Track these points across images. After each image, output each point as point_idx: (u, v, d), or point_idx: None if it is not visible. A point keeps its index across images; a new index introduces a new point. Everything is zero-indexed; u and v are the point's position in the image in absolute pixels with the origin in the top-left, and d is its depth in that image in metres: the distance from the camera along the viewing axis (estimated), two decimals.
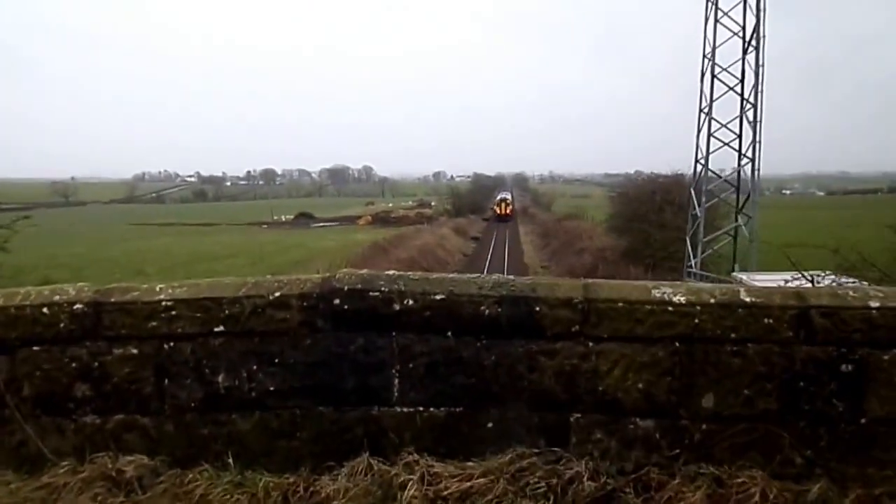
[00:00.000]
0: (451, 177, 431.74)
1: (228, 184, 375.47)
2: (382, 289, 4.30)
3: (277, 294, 4.34)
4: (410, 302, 4.26)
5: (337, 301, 4.29)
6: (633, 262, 40.25)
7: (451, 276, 4.48)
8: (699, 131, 29.35)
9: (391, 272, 4.50)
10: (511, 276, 4.43)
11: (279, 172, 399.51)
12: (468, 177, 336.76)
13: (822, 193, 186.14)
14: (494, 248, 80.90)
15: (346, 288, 4.31)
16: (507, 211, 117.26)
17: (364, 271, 4.48)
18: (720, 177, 29.09)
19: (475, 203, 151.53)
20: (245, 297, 4.35)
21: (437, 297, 4.25)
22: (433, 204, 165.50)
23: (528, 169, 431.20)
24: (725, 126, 28.81)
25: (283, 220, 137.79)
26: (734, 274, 24.02)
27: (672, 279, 37.63)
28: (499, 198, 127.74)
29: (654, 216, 40.33)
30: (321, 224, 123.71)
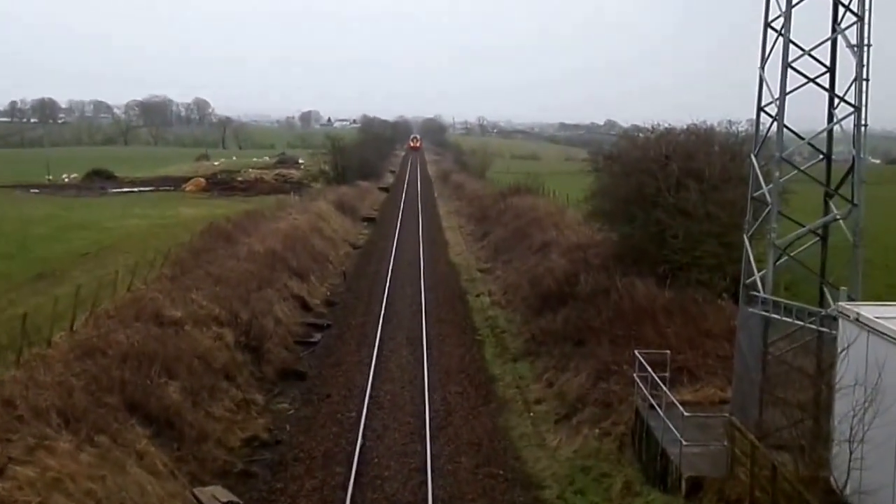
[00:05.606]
0: (329, 120, 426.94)
1: None
2: None
3: None
4: None
5: None
6: (638, 271, 37.25)
7: None
8: (764, 59, 26.06)
9: None
10: None
11: (63, 106, 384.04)
12: (354, 122, 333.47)
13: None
14: (400, 240, 75.31)
15: None
16: (418, 145, 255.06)
17: None
18: (802, 137, 25.89)
19: (367, 163, 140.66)
20: None
21: None
22: (301, 162, 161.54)
23: (445, 113, 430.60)
24: (808, 53, 25.58)
25: (67, 180, 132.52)
26: (841, 304, 20.64)
27: (709, 301, 34.17)
28: (411, 137, 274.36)
29: (671, 197, 37.01)
30: (126, 189, 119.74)
